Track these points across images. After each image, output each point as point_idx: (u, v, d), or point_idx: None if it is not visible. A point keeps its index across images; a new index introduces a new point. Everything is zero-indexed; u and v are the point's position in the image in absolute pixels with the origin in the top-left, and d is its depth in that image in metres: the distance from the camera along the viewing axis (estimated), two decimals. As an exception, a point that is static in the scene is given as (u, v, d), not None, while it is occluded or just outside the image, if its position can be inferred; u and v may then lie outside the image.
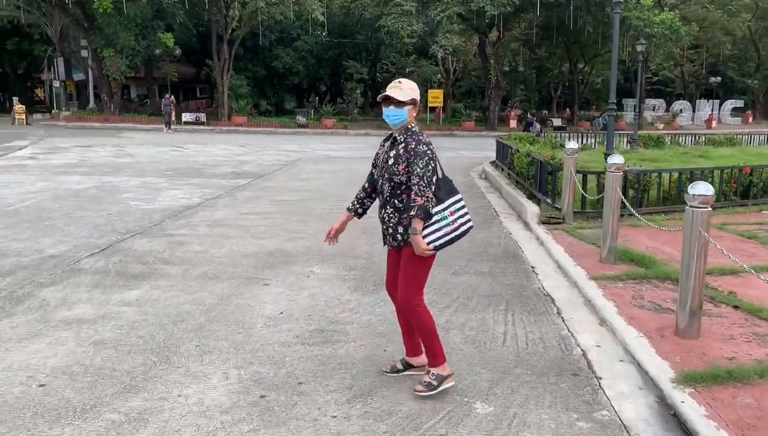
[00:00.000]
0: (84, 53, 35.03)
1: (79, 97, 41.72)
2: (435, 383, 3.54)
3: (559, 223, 8.38)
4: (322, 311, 4.96)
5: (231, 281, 5.71)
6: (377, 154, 3.65)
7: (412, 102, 3.47)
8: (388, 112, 3.44)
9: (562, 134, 24.34)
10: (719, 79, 49.48)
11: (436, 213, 3.38)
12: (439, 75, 49.61)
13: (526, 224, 8.55)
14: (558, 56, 42.68)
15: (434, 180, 3.37)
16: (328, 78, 52.07)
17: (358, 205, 3.82)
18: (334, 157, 18.66)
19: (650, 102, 51.68)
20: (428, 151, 3.38)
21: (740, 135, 27.52)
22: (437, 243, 3.40)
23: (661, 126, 44.44)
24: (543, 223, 8.42)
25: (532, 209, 8.76)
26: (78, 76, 41.39)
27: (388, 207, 3.51)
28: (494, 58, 37.31)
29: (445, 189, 3.45)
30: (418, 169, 3.35)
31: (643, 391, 3.73)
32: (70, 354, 4.05)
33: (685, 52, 47.13)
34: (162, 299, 5.15)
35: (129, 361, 3.96)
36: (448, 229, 3.41)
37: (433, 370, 3.58)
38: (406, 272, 3.53)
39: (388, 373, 3.82)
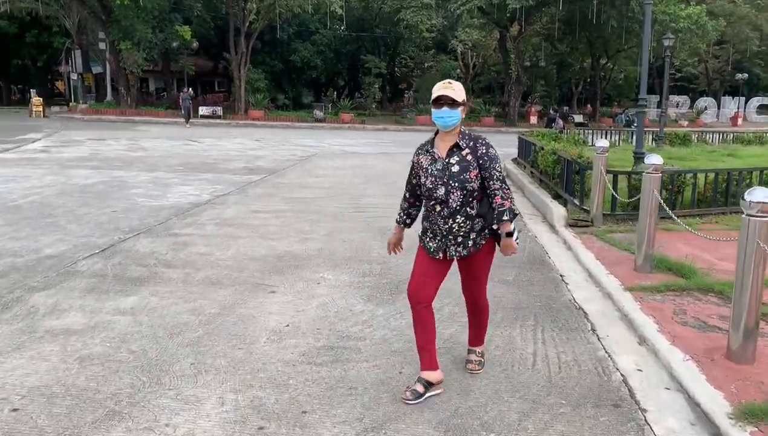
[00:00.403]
0: (102, 46, 34.91)
1: (98, 90, 41.69)
2: (483, 359, 3.86)
3: (587, 226, 7.87)
4: (333, 323, 4.53)
5: (235, 287, 5.30)
6: (418, 163, 3.49)
7: (464, 103, 3.32)
8: (442, 114, 3.27)
9: (585, 131, 23.70)
10: (746, 75, 48.29)
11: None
12: (459, 70, 48.94)
13: (552, 227, 8.05)
14: (580, 51, 41.82)
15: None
16: (346, 72, 51.65)
17: (406, 217, 3.70)
18: (351, 153, 18.23)
19: (674, 99, 50.58)
20: (498, 154, 3.40)
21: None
22: (518, 241, 3.52)
23: (686, 123, 43.45)
24: (570, 225, 7.92)
25: (558, 211, 8.26)
26: (96, 69, 41.33)
27: (458, 217, 3.37)
28: (515, 53, 36.65)
29: None
30: (497, 173, 3.34)
31: (696, 428, 3.25)
32: (52, 372, 3.66)
33: (710, 48, 46.00)
34: (159, 308, 4.75)
35: (116, 381, 3.56)
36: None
37: (480, 348, 3.88)
38: (481, 278, 3.63)
39: (410, 401, 3.37)
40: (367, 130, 32.31)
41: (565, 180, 9.00)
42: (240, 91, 34.75)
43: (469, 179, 3.30)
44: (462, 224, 3.36)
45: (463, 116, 3.33)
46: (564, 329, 4.55)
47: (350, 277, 5.66)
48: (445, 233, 3.40)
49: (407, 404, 3.34)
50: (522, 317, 4.74)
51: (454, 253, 3.43)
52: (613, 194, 8.01)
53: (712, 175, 8.74)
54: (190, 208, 8.74)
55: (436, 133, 3.45)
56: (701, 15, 34.94)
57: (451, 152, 3.34)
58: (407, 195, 3.64)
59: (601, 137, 22.19)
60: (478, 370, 3.77)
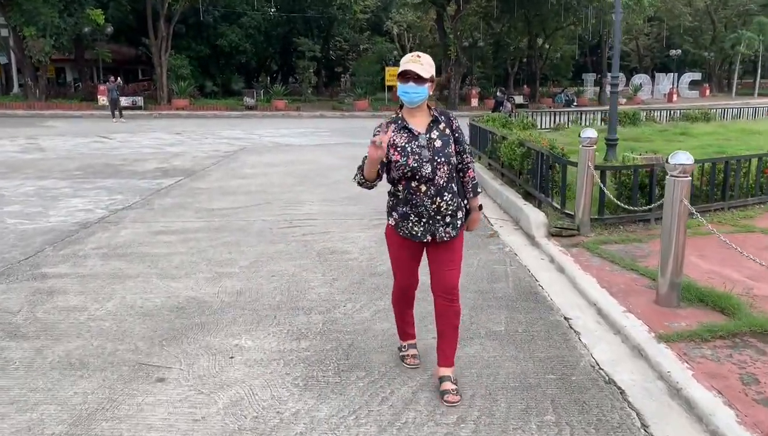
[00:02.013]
0: (4, 32, 31.55)
1: (7, 81, 38.01)
2: (457, 385, 3.37)
3: (573, 235, 6.44)
4: (249, 445, 2.86)
5: (106, 372, 3.55)
6: (390, 142, 3.16)
7: (432, 79, 3.12)
8: (407, 89, 3.11)
9: (529, 113, 22.51)
10: (679, 51, 48.59)
11: None
12: (395, 52, 47.36)
13: (530, 238, 6.57)
14: (518, 31, 40.89)
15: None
16: (278, 56, 49.29)
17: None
18: (284, 146, 16.38)
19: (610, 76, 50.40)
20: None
21: (713, 108, 26.26)
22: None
23: (623, 101, 43.23)
24: (553, 235, 6.47)
25: (536, 217, 6.79)
26: (2, 59, 37.67)
27: (445, 194, 3.20)
28: (453, 33, 35.27)
29: None
30: (466, 146, 3.35)
31: None
32: None
33: (644, 24, 45.92)
34: (-31, 430, 2.97)
35: None
36: None
37: (453, 371, 3.40)
38: (457, 260, 3.34)
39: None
40: (303, 117, 30.37)
41: (539, 177, 7.54)
42: (162, 79, 32.09)
43: (451, 153, 3.23)
44: (450, 202, 3.22)
45: (430, 93, 3.15)
46: (601, 427, 3.02)
47: (279, 342, 3.98)
48: (432, 214, 3.21)
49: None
50: (535, 406, 3.20)
51: (443, 234, 3.25)
52: (600, 195, 6.59)
53: (708, 166, 7.42)
54: (74, 232, 6.83)
55: (401, 107, 3.26)
56: (638, -10, 34.40)
57: (430, 127, 3.23)
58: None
59: (548, 119, 21.06)
60: (458, 401, 3.22)
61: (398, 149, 3.14)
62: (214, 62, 39.71)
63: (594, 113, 23.00)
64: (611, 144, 9.51)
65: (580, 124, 21.68)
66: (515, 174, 8.57)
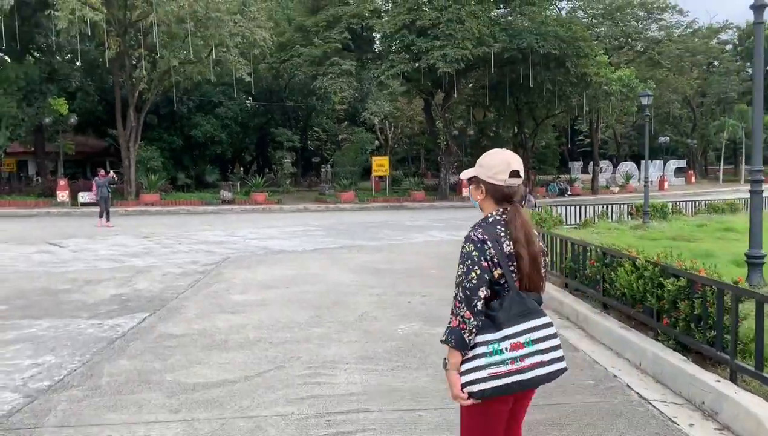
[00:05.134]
0: (-44, 123, 28.74)
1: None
2: None
3: None
4: None
5: None
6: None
7: (474, 180, 2.61)
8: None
9: (546, 207, 20.11)
10: (667, 139, 47.86)
11: (485, 344, 2.36)
12: (376, 142, 45.71)
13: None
14: (507, 118, 39.56)
15: (480, 293, 2.36)
16: (254, 147, 47.20)
17: None
18: (277, 252, 13.48)
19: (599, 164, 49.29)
20: (473, 252, 2.41)
21: (738, 200, 24.34)
22: (477, 388, 2.34)
23: (616, 189, 41.74)
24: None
25: (760, 413, 3.93)
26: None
27: None
28: (443, 122, 33.54)
29: (513, 310, 2.38)
30: (456, 277, 2.46)
31: None
32: None
33: (634, 115, 45.18)
34: None
35: None
36: (503, 369, 2.32)
37: None
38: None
39: None
40: (285, 211, 27.67)
41: (710, 325, 4.74)
42: (129, 171, 29.27)
43: None
44: None
45: (480, 197, 2.59)
46: None
47: None
48: None
49: None
50: None
51: None
52: None
53: None
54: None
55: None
56: (631, 77, 33.40)
57: None
58: None
59: (572, 212, 18.62)
60: None
61: None
62: (188, 153, 37.30)
63: (621, 205, 20.71)
64: (755, 262, 6.83)
65: (605, 217, 19.32)
66: (651, 314, 5.77)
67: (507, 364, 2.34)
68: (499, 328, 2.37)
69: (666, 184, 44.82)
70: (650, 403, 4.60)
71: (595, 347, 6.10)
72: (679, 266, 5.48)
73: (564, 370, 2.48)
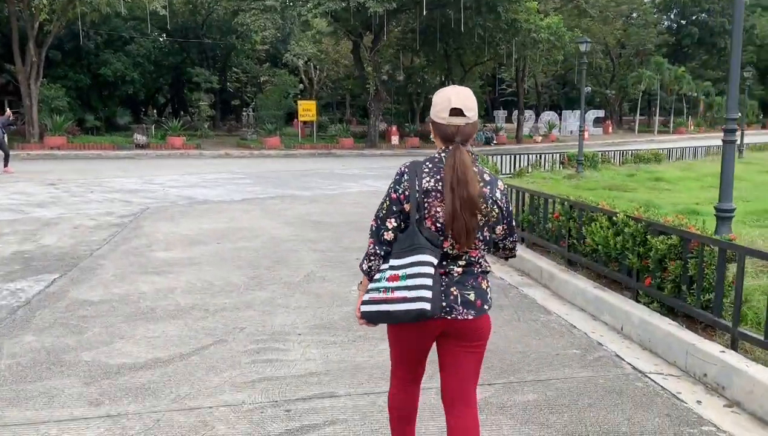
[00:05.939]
0: None
1: None
2: None
3: None
4: None
5: None
6: None
7: (429, 118, 2.54)
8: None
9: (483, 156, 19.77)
10: (589, 89, 48.61)
11: (381, 271, 2.44)
12: (301, 85, 43.95)
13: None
14: (436, 65, 38.82)
15: (388, 224, 2.44)
16: (168, 88, 44.45)
17: None
18: (202, 203, 12.38)
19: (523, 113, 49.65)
20: (390, 183, 2.48)
21: (662, 149, 24.89)
22: (362, 309, 2.47)
23: (539, 139, 42.20)
24: None
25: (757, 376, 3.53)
26: None
27: None
28: (372, 66, 32.40)
29: (404, 243, 2.39)
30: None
31: None
32: None
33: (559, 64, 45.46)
34: None
35: None
36: (376, 295, 2.40)
37: None
38: None
39: None
40: (205, 157, 26.12)
41: (704, 287, 4.32)
42: (32, 112, 26.68)
43: None
44: None
45: (432, 137, 2.55)
46: None
47: None
48: None
49: None
50: None
51: None
52: None
53: None
54: None
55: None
56: (560, 26, 33.30)
57: None
58: None
59: (507, 161, 18.33)
60: None
61: None
62: (96, 93, 34.53)
63: (552, 154, 20.64)
64: (725, 216, 6.54)
65: (539, 168, 19.19)
66: (629, 274, 5.33)
67: (380, 292, 2.39)
68: (389, 258, 2.43)
69: (587, 134, 45.74)
70: (647, 376, 4.15)
71: (567, 309, 5.64)
72: (666, 222, 5.02)
73: (425, 312, 2.31)
